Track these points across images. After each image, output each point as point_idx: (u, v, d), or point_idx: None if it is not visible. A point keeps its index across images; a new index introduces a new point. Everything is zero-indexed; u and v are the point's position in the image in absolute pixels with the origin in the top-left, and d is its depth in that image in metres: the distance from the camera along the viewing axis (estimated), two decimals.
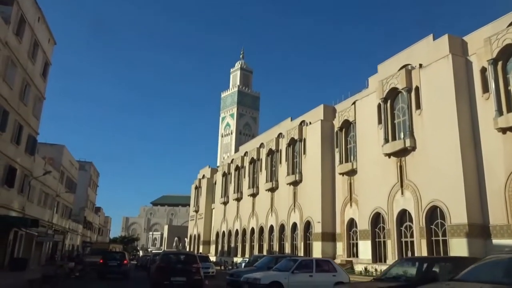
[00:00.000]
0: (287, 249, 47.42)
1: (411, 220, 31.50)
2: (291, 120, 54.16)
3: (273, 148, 53.84)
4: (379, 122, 35.51)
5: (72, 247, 64.02)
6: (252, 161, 60.43)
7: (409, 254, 31.24)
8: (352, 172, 39.93)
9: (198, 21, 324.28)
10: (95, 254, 38.19)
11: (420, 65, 32.90)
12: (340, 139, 42.59)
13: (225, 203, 69.30)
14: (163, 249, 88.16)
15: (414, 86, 32.58)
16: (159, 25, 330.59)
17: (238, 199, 63.75)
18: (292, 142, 49.49)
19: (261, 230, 55.35)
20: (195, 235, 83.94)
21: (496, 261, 6.28)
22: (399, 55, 36.44)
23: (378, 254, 34.51)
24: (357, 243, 37.88)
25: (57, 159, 47.17)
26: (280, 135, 54.93)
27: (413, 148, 31.81)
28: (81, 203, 67.57)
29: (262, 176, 56.52)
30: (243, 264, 32.82)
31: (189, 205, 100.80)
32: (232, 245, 64.52)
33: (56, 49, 36.19)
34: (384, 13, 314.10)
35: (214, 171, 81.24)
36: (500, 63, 27.65)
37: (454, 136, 28.44)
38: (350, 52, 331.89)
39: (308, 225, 44.50)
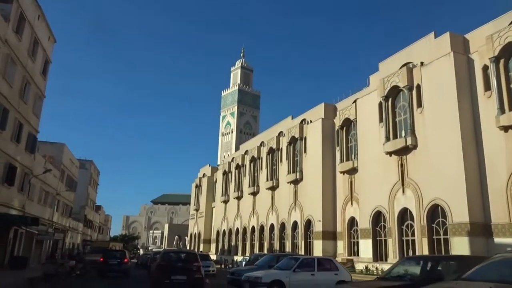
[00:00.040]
0: (288, 248, 47.33)
1: (412, 218, 31.40)
2: (292, 119, 54.03)
3: (274, 146, 53.73)
4: (380, 120, 35.40)
5: (72, 246, 63.97)
6: (253, 160, 60.34)
7: (410, 253, 31.15)
8: (353, 171, 39.84)
9: (198, 20, 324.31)
10: (95, 253, 38.15)
11: (422, 63, 32.79)
12: (341, 137, 42.49)
13: (225, 202, 69.23)
14: (163, 248, 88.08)
15: (415, 84, 32.46)
16: (159, 24, 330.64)
17: (239, 198, 63.68)
18: (292, 141, 49.39)
19: (262, 228, 55.28)
20: (195, 233, 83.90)
21: (504, 260, 6.17)
22: (400, 53, 36.31)
23: (379, 253, 34.44)
24: (358, 242, 37.81)
25: (58, 157, 47.08)
26: (280, 133, 54.83)
27: (414, 146, 31.72)
28: (82, 202, 67.49)
29: (263, 175, 56.43)
30: (244, 263, 32.71)
31: (189, 203, 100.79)
32: (233, 243, 64.46)
33: (56, 47, 36.10)
34: (384, 12, 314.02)
35: (214, 169, 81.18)
36: (502, 61, 27.53)
37: (455, 134, 28.33)
38: (350, 50, 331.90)
39: (308, 224, 44.42)
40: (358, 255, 37.21)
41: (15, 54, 27.14)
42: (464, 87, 29.21)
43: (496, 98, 27.07)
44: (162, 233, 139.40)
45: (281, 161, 52.12)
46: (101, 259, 28.10)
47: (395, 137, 33.77)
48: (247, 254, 53.86)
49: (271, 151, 54.99)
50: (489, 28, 29.24)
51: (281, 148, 52.44)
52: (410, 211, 31.63)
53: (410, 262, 10.61)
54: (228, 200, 68.09)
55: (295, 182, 47.50)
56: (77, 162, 60.45)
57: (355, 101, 40.86)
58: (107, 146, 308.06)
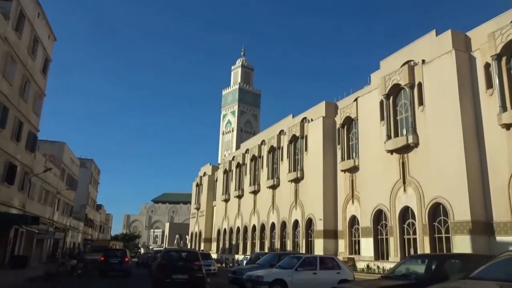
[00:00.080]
0: (289, 247, 47.26)
1: (413, 217, 31.29)
2: (293, 117, 53.91)
3: (275, 145, 53.64)
4: (381, 118, 35.28)
5: (73, 245, 63.90)
6: (254, 158, 60.25)
7: (412, 251, 31.04)
8: (354, 169, 39.73)
9: (198, 19, 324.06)
10: (95, 252, 38.07)
11: (423, 61, 32.66)
12: (342, 136, 42.39)
13: (226, 201, 69.15)
14: (164, 247, 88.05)
15: (416, 82, 32.32)
16: (160, 23, 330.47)
17: (239, 196, 63.58)
18: (293, 139, 49.28)
19: (263, 227, 55.19)
20: (196, 232, 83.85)
21: (511, 259, 6.06)
22: (401, 51, 36.15)
23: (380, 251, 34.34)
24: (359, 240, 37.70)
25: (58, 156, 46.99)
26: (281, 132, 54.72)
27: (416, 144, 31.59)
28: (82, 201, 67.40)
29: (264, 173, 56.35)
30: (245, 262, 32.65)
31: (190, 202, 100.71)
32: (234, 242, 64.40)
33: (57, 45, 35.97)
34: (385, 12, 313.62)
35: (215, 168, 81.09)
36: (504, 59, 27.37)
37: (457, 132, 28.21)
38: (351, 49, 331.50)
39: (309, 222, 44.33)
40: (359, 253, 37.09)
41: (15, 52, 27.05)
42: (465, 85, 29.07)
43: (498, 96, 26.93)
44: (163, 232, 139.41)
45: (282, 159, 52.02)
46: (102, 258, 28.04)
47: (396, 135, 33.65)
48: (248, 253, 53.82)
49: (272, 150, 54.89)
50: (491, 25, 29.08)
51: (282, 147, 52.34)
52: (411, 209, 31.52)
53: (415, 261, 10.47)
54: (229, 199, 68.00)
55: (296, 180, 47.41)
56: (77, 161, 60.36)
57: (356, 100, 40.73)
58: (107, 145, 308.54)
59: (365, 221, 35.93)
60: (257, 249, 53.43)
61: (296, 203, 47.09)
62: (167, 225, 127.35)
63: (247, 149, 64.30)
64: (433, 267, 9.18)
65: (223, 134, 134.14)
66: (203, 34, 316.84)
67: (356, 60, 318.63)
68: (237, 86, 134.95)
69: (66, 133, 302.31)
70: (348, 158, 40.91)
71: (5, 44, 25.34)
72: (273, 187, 52.94)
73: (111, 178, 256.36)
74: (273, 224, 52.44)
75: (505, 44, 26.77)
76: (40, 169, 35.89)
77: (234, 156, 70.72)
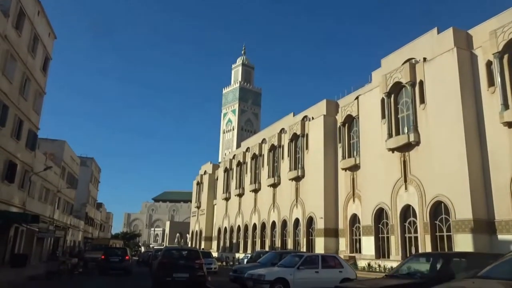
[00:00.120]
0: (289, 245, 47.22)
1: (415, 215, 31.22)
2: (294, 116, 53.83)
3: (275, 143, 53.58)
4: (383, 116, 35.19)
5: (73, 243, 63.85)
6: (254, 157, 60.19)
7: (413, 250, 31.00)
8: (355, 168, 39.65)
9: (199, 17, 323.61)
10: (95, 250, 37.97)
11: (424, 59, 32.54)
12: (343, 134, 42.31)
13: (227, 199, 69.10)
14: (165, 245, 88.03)
15: (418, 80, 32.23)
16: (160, 21, 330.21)
17: (240, 195, 63.53)
18: (294, 138, 49.21)
19: (263, 226, 55.15)
20: (197, 231, 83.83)
21: None
22: (402, 49, 36.03)
23: (381, 250, 34.29)
24: (360, 239, 37.64)
25: (58, 154, 46.89)
26: (282, 130, 54.62)
27: (417, 142, 31.50)
28: (83, 199, 67.33)
29: (264, 172, 56.28)
30: (245, 260, 32.58)
31: (190, 201, 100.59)
32: (234, 241, 64.38)
33: (58, 44, 35.87)
34: (385, 10, 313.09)
35: (215, 167, 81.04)
36: (506, 56, 27.33)
37: (458, 130, 28.13)
38: (352, 47, 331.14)
39: (310, 221, 44.27)
40: (360, 252, 37.02)
41: (15, 50, 26.93)
42: (467, 83, 28.98)
43: (500, 94, 26.87)
44: (164, 230, 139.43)
45: (282, 158, 51.96)
46: (103, 257, 28.00)
47: (397, 133, 33.56)
48: (249, 251, 53.73)
49: (272, 148, 54.84)
50: (493, 23, 28.95)
51: (283, 145, 52.28)
52: (412, 208, 31.45)
53: (419, 260, 10.33)
54: (230, 198, 67.96)
55: (297, 179, 47.35)
56: (78, 159, 60.26)
57: (357, 98, 40.63)
58: (108, 144, 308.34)
59: (366, 220, 35.86)
60: (258, 248, 53.44)
61: (297, 202, 47.03)
62: (168, 223, 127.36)
63: (248, 148, 64.23)
64: (438, 265, 9.04)
65: (224, 132, 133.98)
66: (203, 33, 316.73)
67: (357, 59, 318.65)
68: (237, 85, 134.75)
69: (67, 132, 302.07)
70: (349, 156, 40.84)
71: (5, 42, 25.22)
72: (274, 186, 52.88)
73: (112, 177, 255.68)
74: (273, 223, 52.39)
75: (507, 41, 26.72)
76: (41, 167, 35.79)
77: (234, 155, 70.65)
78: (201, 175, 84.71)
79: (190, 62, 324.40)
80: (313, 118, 47.32)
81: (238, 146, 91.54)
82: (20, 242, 32.63)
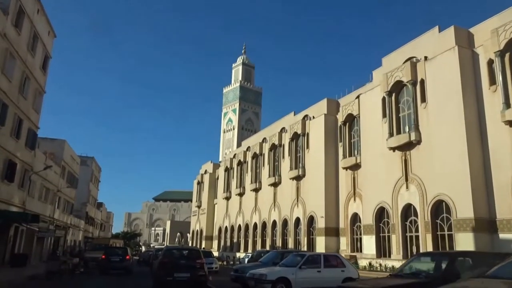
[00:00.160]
0: (290, 244, 47.14)
1: (416, 214, 31.14)
2: (294, 115, 53.72)
3: (276, 142, 53.49)
4: (384, 115, 35.09)
5: (74, 243, 63.77)
6: (255, 156, 60.09)
7: (414, 249, 30.92)
8: (355, 167, 39.56)
9: (199, 16, 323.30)
10: (95, 250, 37.87)
11: (426, 58, 32.43)
12: (343, 133, 42.21)
13: (227, 198, 69.00)
14: (165, 245, 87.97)
15: (419, 79, 32.13)
16: (161, 21, 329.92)
17: (241, 194, 63.44)
18: (295, 137, 49.12)
19: (264, 225, 55.07)
20: (197, 230, 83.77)
21: None
22: (403, 48, 35.92)
23: (382, 249, 34.20)
24: (361, 238, 37.55)
25: (58, 154, 46.77)
26: (283, 129, 54.52)
27: (418, 141, 31.41)
28: (83, 199, 67.24)
29: (265, 171, 56.19)
30: (246, 260, 32.49)
31: (191, 200, 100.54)
32: (235, 240, 64.30)
33: (58, 42, 35.76)
34: (386, 8, 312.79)
35: (216, 166, 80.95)
36: (507, 55, 27.25)
37: (460, 129, 28.03)
38: (353, 46, 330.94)
39: (311, 220, 44.18)
40: (361, 251, 36.94)
41: (14, 48, 26.81)
42: (468, 82, 28.88)
43: (502, 92, 26.80)
44: (164, 230, 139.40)
45: (283, 157, 51.87)
46: (103, 256, 27.92)
47: (398, 132, 33.46)
48: (249, 251, 53.65)
49: (273, 147, 54.75)
50: (495, 22, 28.84)
51: (283, 144, 52.19)
52: (414, 207, 31.36)
53: (424, 259, 10.16)
54: (230, 197, 67.87)
55: (298, 178, 47.25)
56: (78, 159, 60.16)
57: (358, 97, 40.52)
58: (108, 143, 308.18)
59: (367, 219, 35.76)
60: (259, 247, 53.38)
61: (297, 201, 46.95)
62: (168, 223, 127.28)
63: (248, 147, 64.13)
64: (443, 265, 8.89)
65: (224, 132, 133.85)
66: (203, 32, 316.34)
67: (357, 58, 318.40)
68: (238, 84, 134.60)
69: (67, 132, 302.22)
70: (350, 155, 40.74)
71: (4, 40, 25.11)
72: (275, 185, 52.78)
73: (112, 176, 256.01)
74: (274, 222, 52.30)
75: (509, 40, 26.64)
76: (40, 166, 35.69)
77: (235, 154, 70.56)
78: (202, 175, 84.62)
79: (190, 62, 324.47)
80: (313, 117, 47.21)
81: (239, 145, 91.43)
82: (20, 242, 32.53)
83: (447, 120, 29.15)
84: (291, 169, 48.61)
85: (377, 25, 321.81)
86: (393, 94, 34.57)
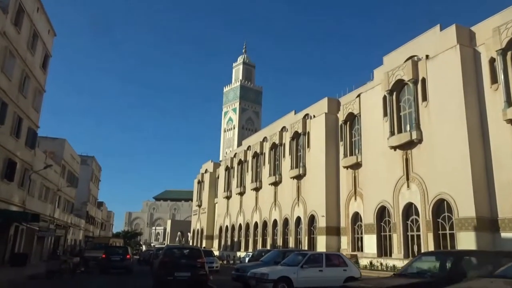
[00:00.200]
0: (291, 243, 47.06)
1: (417, 213, 31.04)
2: (295, 114, 53.59)
3: (277, 142, 53.38)
4: (385, 114, 34.97)
5: (74, 242, 63.72)
6: (255, 155, 59.98)
7: (415, 248, 30.84)
8: (356, 166, 39.44)
9: (199, 16, 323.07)
10: (95, 249, 37.73)
11: (427, 56, 32.31)
12: (344, 132, 42.08)
13: (228, 198, 68.89)
14: (166, 244, 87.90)
15: (420, 78, 32.01)
16: (161, 20, 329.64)
17: (241, 193, 63.32)
18: (295, 136, 49.00)
19: (265, 224, 54.97)
20: (198, 229, 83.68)
21: None
22: (405, 47, 35.79)
23: (383, 248, 34.09)
24: (362, 237, 37.44)
25: (58, 153, 46.70)
26: (283, 128, 54.41)
27: (420, 140, 31.28)
28: (83, 198, 67.19)
29: (265, 170, 56.08)
30: (247, 259, 32.40)
31: (191, 199, 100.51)
32: (235, 239, 64.20)
33: (58, 41, 35.68)
34: (387, 7, 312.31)
35: (216, 165, 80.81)
36: (509, 53, 27.13)
37: (461, 128, 27.90)
38: (353, 45, 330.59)
39: (312, 219, 44.08)
40: (362, 250, 36.83)
41: (14, 47, 26.72)
42: (470, 80, 28.75)
43: (503, 91, 26.67)
44: (165, 229, 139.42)
45: (284, 156, 51.76)
46: (103, 256, 27.82)
47: (399, 131, 33.34)
48: (250, 250, 53.59)
49: (274, 147, 54.63)
50: (496, 20, 28.70)
51: (284, 144, 52.08)
52: (415, 205, 31.25)
53: (428, 258, 9.97)
54: (231, 196, 67.76)
55: (298, 177, 47.13)
56: (78, 158, 60.09)
57: (359, 96, 40.38)
58: (108, 142, 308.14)
59: (368, 218, 35.66)
60: (259, 246, 53.25)
61: (298, 200, 46.84)
62: (169, 222, 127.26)
63: (249, 146, 64.01)
64: (449, 264, 8.72)
65: (225, 131, 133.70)
66: (204, 32, 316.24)
67: (358, 57, 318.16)
68: (238, 83, 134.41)
69: (67, 131, 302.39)
70: (351, 154, 40.61)
71: (4, 38, 25.02)
72: (275, 184, 52.66)
73: (113, 176, 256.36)
74: (275, 221, 52.20)
75: (511, 38, 26.47)
76: (40, 166, 35.60)
77: (236, 153, 70.45)
78: (202, 174, 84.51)
79: (190, 62, 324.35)
80: (314, 116, 47.07)
81: (239, 144, 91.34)
82: (20, 241, 32.47)
83: (449, 119, 29.02)
84: (291, 168, 48.50)
85: (377, 25, 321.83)
86: (394, 93, 34.45)
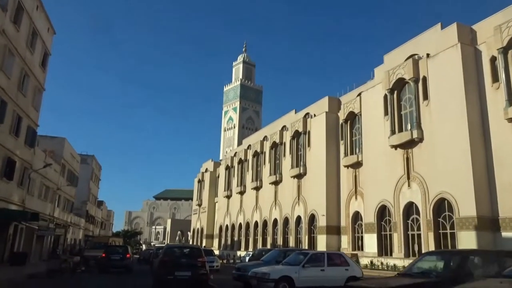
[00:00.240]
0: (291, 243, 46.99)
1: (418, 212, 30.95)
2: (295, 113, 53.43)
3: (277, 141, 53.27)
4: (385, 113, 34.86)
5: (74, 241, 63.64)
6: (256, 154, 59.87)
7: (416, 247, 30.77)
8: (357, 165, 39.33)
9: (199, 15, 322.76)
10: (94, 248, 37.64)
11: (428, 55, 32.22)
12: (345, 131, 41.97)
13: (228, 197, 68.80)
14: (166, 243, 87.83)
15: (421, 76, 31.91)
16: (161, 19, 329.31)
17: (242, 193, 63.23)
18: (296, 135, 48.89)
19: (265, 223, 54.88)
20: (198, 229, 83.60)
21: None
22: (405, 45, 35.67)
23: (384, 248, 34.01)
24: (362, 236, 37.37)
25: (58, 152, 46.59)
26: (284, 127, 54.28)
27: (420, 139, 31.18)
28: (83, 197, 67.09)
29: (266, 169, 55.98)
30: (247, 258, 32.28)
31: (192, 199, 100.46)
32: (236, 238, 64.11)
33: (57, 39, 35.52)
34: (388, 5, 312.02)
35: (217, 164, 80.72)
36: (510, 52, 27.02)
37: (462, 127, 27.79)
38: (354, 44, 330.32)
39: (312, 218, 43.99)
40: (362, 249, 36.74)
41: (13, 45, 26.60)
42: (471, 79, 28.64)
43: (505, 89, 26.58)
44: (165, 228, 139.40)
45: (284, 155, 51.65)
46: (103, 255, 27.73)
47: (400, 130, 33.23)
48: (250, 249, 53.53)
49: (274, 146, 54.50)
50: (498, 18, 28.56)
51: (285, 143, 51.96)
52: (415, 205, 31.17)
53: (433, 258, 9.77)
54: (231, 195, 67.66)
55: (299, 176, 47.03)
56: (78, 157, 59.99)
57: (359, 94, 40.29)
58: (108, 141, 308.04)
59: (369, 217, 35.56)
60: (259, 246, 53.15)
61: (298, 199, 46.75)
62: (169, 221, 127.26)
63: (249, 145, 63.89)
64: (454, 264, 8.53)
65: (225, 130, 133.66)
66: (204, 30, 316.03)
67: (359, 56, 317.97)
68: (238, 83, 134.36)
69: (67, 130, 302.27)
70: (352, 153, 40.50)
71: (3, 36, 24.90)
72: (276, 183, 52.57)
73: (113, 175, 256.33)
74: (275, 220, 52.11)
75: None
76: (40, 164, 35.49)
77: (236, 152, 70.36)
78: (202, 173, 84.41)
79: (191, 60, 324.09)
80: (315, 115, 46.96)
81: (239, 143, 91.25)
82: (20, 240, 32.38)
83: (450, 118, 28.91)
84: (292, 167, 48.39)
85: (377, 25, 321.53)
86: (395, 92, 34.34)
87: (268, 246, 49.02)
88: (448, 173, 28.23)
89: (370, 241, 35.15)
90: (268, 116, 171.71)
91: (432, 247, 28.71)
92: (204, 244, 73.36)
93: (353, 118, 41.44)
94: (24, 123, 30.12)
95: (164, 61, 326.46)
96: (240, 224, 62.83)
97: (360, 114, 39.21)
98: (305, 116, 49.42)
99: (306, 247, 42.52)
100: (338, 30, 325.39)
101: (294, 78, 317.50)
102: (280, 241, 49.99)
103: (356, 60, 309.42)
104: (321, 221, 41.65)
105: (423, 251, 28.96)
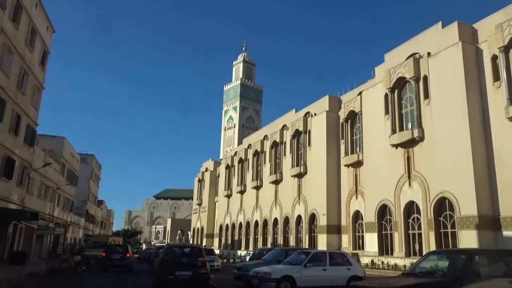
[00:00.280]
0: (292, 242, 46.93)
1: (418, 212, 30.89)
2: (296, 112, 53.35)
3: (277, 140, 53.19)
4: (386, 112, 34.78)
5: (74, 241, 63.55)
6: (256, 154, 59.79)
7: (417, 246, 30.70)
8: (357, 164, 39.26)
9: (199, 14, 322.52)
10: (94, 248, 37.51)
11: (429, 54, 32.16)
12: (345, 130, 41.88)
13: (228, 196, 68.73)
14: (166, 243, 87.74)
15: (422, 75, 31.85)
16: (160, 18, 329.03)
17: (242, 192, 63.18)
18: (296, 134, 48.81)
19: (265, 223, 54.82)
20: (198, 228, 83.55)
21: None
22: (406, 44, 35.58)
23: (384, 247, 33.96)
24: (363, 236, 37.31)
25: (58, 151, 46.48)
26: (284, 127, 54.21)
27: (421, 138, 31.12)
28: (83, 196, 66.98)
29: (266, 169, 55.91)
30: (248, 257, 32.19)
31: (192, 198, 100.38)
32: (236, 238, 64.05)
33: (56, 38, 35.43)
34: (388, 4, 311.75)
35: (217, 164, 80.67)
36: (511, 50, 26.84)
37: (463, 125, 27.73)
38: (355, 43, 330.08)
39: (313, 218, 43.93)
40: (363, 249, 36.69)
41: (12, 43, 26.47)
42: (472, 78, 28.57)
43: (506, 88, 26.55)
44: (165, 228, 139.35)
45: (284, 154, 51.57)
46: (103, 254, 27.64)
47: (401, 129, 33.16)
48: (251, 248, 53.46)
49: (274, 145, 54.44)
50: (499, 17, 28.49)
51: (285, 142, 51.88)
52: (416, 204, 31.12)
53: (437, 257, 9.57)
54: (231, 195, 67.60)
55: (299, 175, 46.95)
56: (78, 156, 59.88)
57: (360, 93, 40.21)
58: (108, 141, 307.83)
59: (369, 216, 35.50)
60: (260, 245, 53.11)
61: (299, 198, 46.67)
62: (169, 221, 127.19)
63: (250, 144, 63.82)
64: (461, 263, 8.33)
65: (225, 130, 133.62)
66: (204, 30, 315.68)
67: (359, 55, 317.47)
68: (238, 82, 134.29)
69: (67, 129, 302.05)
70: (352, 152, 40.41)
71: (2, 35, 24.78)
72: (276, 182, 52.50)
73: (113, 174, 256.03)
74: (275, 220, 52.04)
75: None
76: (40, 164, 35.39)
77: (236, 152, 70.28)
78: (203, 172, 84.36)
79: (191, 59, 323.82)
80: (315, 114, 46.88)
81: (240, 143, 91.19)
82: (19, 240, 32.30)
83: (451, 117, 28.84)
84: (292, 166, 48.31)
85: (378, 24, 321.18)
86: (396, 91, 34.26)
87: (269, 246, 48.97)
88: (449, 172, 28.17)
89: (371, 240, 35.10)
90: (268, 116, 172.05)
91: (433, 247, 28.64)
92: (204, 244, 73.31)
93: (353, 117, 41.35)
94: (23, 122, 30.01)
95: (164, 60, 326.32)
96: (241, 223, 62.76)
97: (361, 113, 39.13)
98: (305, 115, 49.34)
99: (307, 247, 42.42)
100: (338, 30, 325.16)
101: (294, 77, 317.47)
102: (280, 240, 49.92)
103: (357, 59, 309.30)
104: (322, 220, 41.58)
105: (423, 251, 28.92)
